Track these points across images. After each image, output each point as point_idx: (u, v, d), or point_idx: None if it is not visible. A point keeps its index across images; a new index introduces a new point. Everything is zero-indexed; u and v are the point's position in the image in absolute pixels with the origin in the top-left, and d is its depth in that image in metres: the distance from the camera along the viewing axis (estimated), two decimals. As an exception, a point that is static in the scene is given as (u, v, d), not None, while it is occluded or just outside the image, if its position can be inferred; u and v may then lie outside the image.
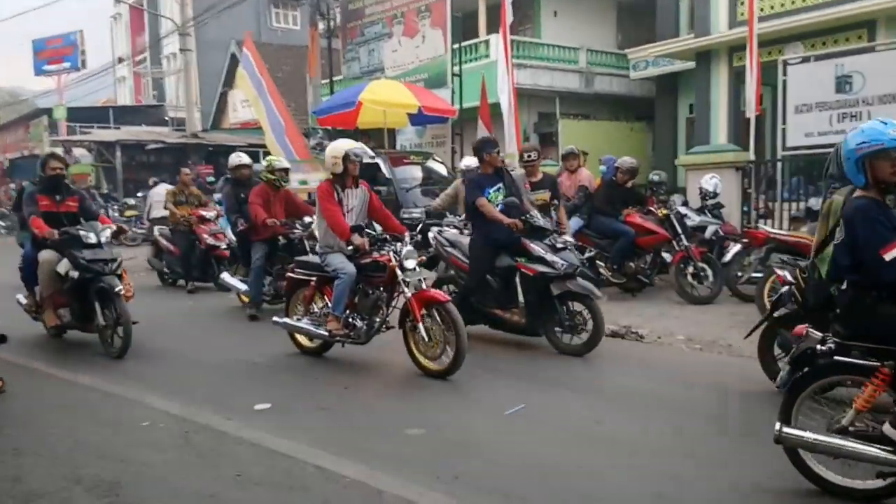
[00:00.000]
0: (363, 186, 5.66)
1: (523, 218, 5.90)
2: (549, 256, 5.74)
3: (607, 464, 3.65)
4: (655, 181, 9.01)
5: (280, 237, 7.65)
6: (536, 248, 5.82)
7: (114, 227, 6.20)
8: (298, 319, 5.82)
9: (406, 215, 10.39)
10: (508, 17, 11.72)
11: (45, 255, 6.02)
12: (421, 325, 5.05)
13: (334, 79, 16.77)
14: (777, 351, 4.70)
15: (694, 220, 8.30)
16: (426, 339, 5.08)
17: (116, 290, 5.67)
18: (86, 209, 6.28)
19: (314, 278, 5.70)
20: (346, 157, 5.41)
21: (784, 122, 9.15)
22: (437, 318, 5.09)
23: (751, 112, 9.85)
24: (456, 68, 14.87)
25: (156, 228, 10.86)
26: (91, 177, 23.88)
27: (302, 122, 18.69)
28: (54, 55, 26.35)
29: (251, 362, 5.84)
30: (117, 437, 4.11)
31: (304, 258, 6.19)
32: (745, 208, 9.34)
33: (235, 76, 14.24)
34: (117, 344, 5.84)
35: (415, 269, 5.19)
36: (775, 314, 4.58)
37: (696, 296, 7.69)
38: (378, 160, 12.45)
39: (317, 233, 6.01)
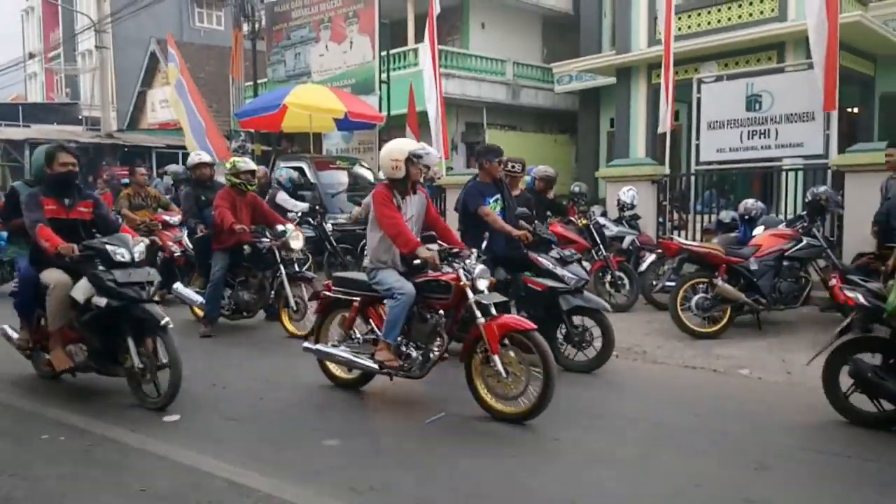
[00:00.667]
0: (421, 193, 4.91)
1: (531, 229, 5.64)
2: (559, 270, 5.49)
3: (521, 466, 3.66)
4: (577, 192, 9.21)
5: (245, 246, 6.96)
6: (545, 261, 5.56)
7: (147, 241, 4.95)
8: (334, 346, 5.01)
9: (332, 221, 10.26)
10: (437, 11, 11.75)
11: (54, 276, 4.73)
12: (497, 359, 4.23)
13: (259, 81, 16.42)
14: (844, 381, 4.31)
15: (612, 230, 8.53)
16: (503, 375, 4.24)
17: (163, 322, 4.39)
18: (103, 216, 5.03)
19: (356, 299, 4.90)
20: (408, 160, 4.65)
21: (698, 138, 9.56)
22: (517, 351, 4.29)
23: (663, 128, 10.23)
24: (384, 75, 14.83)
25: None
26: (-4, 176, 22.51)
27: (224, 124, 18.22)
28: (-44, 47, 24.77)
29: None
30: (14, 451, 3.85)
31: (344, 274, 5.38)
32: (661, 220, 9.67)
33: (167, 72, 13.76)
34: (158, 391, 4.56)
35: (487, 290, 4.44)
36: (843, 338, 4.27)
37: (613, 303, 7.89)
38: (302, 164, 12.30)
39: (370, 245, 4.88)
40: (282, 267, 6.85)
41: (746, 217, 7.85)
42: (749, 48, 12.94)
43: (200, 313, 7.12)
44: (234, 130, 14.96)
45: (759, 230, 7.33)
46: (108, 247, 4.51)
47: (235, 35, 14.95)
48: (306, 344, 5.13)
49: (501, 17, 19.64)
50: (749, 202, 8.01)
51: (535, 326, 4.31)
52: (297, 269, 7.15)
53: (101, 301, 4.44)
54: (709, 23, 13.88)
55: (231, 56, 15.48)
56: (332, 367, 5.13)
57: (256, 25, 15.58)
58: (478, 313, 4.31)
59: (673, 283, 7.05)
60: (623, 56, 14.79)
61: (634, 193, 8.74)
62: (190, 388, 5.07)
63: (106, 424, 4.25)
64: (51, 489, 3.38)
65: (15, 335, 5.29)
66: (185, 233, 8.20)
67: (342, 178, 12.34)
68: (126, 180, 17.24)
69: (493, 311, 4.33)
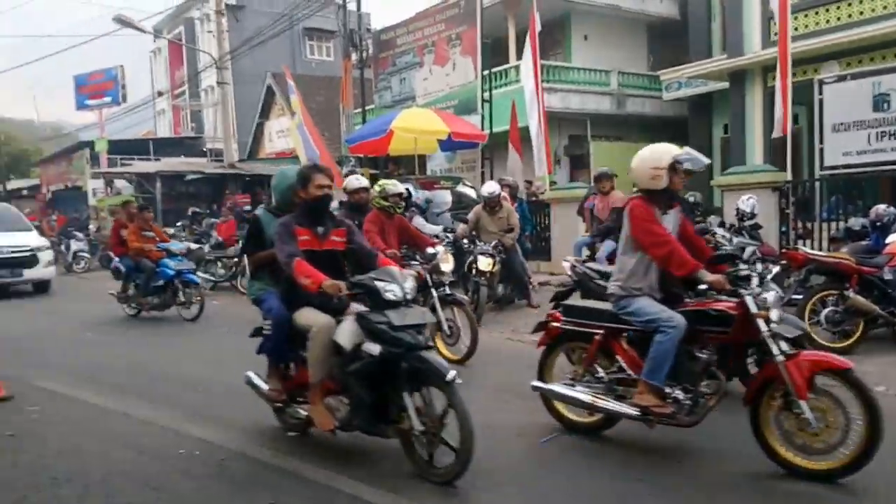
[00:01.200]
0: (676, 207, 4.24)
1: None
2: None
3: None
4: (692, 202, 8.90)
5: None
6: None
7: (415, 273, 4.43)
8: (569, 385, 4.37)
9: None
10: (538, 27, 11.75)
11: (316, 318, 3.99)
12: (804, 405, 3.56)
13: (367, 108, 17.00)
14: None
15: (731, 241, 8.15)
16: (811, 424, 3.57)
17: (449, 376, 3.52)
18: (359, 246, 4.34)
19: (600, 331, 4.25)
20: (672, 168, 4.01)
21: (821, 142, 9.02)
22: (830, 394, 3.60)
23: (778, 133, 9.74)
24: (486, 94, 14.98)
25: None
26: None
27: (335, 151, 18.97)
28: (96, 90, 27.25)
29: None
30: (152, 466, 4.14)
31: (578, 302, 4.80)
32: (784, 229, 9.16)
33: (291, 102, 14.58)
34: (442, 461, 3.71)
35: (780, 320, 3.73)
36: None
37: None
38: (409, 186, 12.61)
39: (613, 268, 4.42)
40: (433, 290, 6.53)
41: (878, 224, 7.30)
42: (873, 45, 12.11)
43: None
44: (343, 156, 15.53)
45: (892, 237, 6.81)
46: (377, 283, 3.79)
47: (345, 65, 15.59)
48: (536, 383, 4.53)
49: (604, 28, 19.40)
50: (881, 208, 7.46)
51: (851, 364, 3.59)
52: (447, 291, 6.78)
53: (374, 348, 3.68)
54: (828, 21, 13.11)
55: (341, 85, 16.13)
56: (563, 408, 4.52)
57: (364, 54, 16.17)
58: (775, 349, 3.64)
59: (800, 296, 6.67)
60: (735, 60, 14.22)
61: (755, 202, 8.33)
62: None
63: (239, 440, 4.50)
64: (187, 501, 3.62)
65: (262, 384, 4.62)
66: None
67: (446, 197, 12.54)
68: (248, 207, 18.28)
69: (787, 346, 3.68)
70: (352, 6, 16.67)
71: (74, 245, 19.13)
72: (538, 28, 12.40)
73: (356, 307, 3.98)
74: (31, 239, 13.80)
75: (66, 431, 4.89)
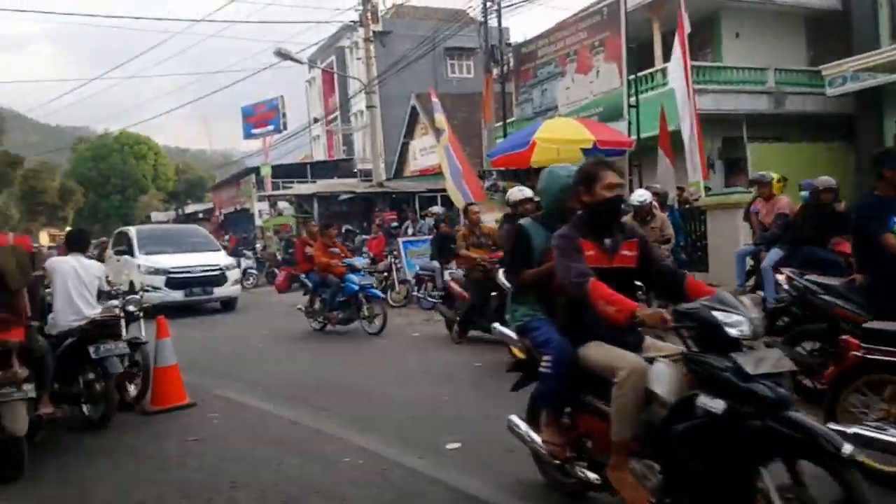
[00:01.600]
0: None
1: None
2: None
3: None
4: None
5: None
6: None
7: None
8: (881, 429, 3.51)
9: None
10: (687, 28, 11.25)
11: (618, 357, 3.10)
12: None
13: (508, 121, 17.07)
14: None
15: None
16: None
17: (845, 451, 2.47)
18: (657, 263, 3.44)
19: None
20: None
21: None
22: None
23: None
24: (632, 99, 14.53)
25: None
26: (291, 226, 26.23)
27: (476, 165, 19.23)
28: (260, 119, 29.54)
29: (438, 399, 5.95)
30: (322, 474, 4.35)
31: (886, 325, 3.74)
32: None
33: (435, 121, 15.03)
34: None
35: None
36: None
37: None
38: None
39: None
40: None
41: None
42: None
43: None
44: (485, 170, 15.67)
45: None
46: (716, 314, 2.75)
47: (486, 80, 15.76)
48: (839, 426, 3.52)
49: (758, 24, 18.23)
50: None
51: None
52: None
53: (716, 404, 2.65)
54: None
55: (483, 100, 16.32)
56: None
57: (505, 68, 16.28)
58: None
59: None
60: (912, 47, 12.82)
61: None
62: (466, 416, 5.34)
63: (396, 450, 4.62)
64: (356, 509, 3.76)
65: (531, 434, 3.73)
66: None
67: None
68: (395, 223, 18.94)
69: None
70: (492, 23, 16.88)
71: (244, 263, 20.70)
72: (687, 29, 11.87)
73: (657, 344, 3.27)
74: (221, 258, 14.63)
75: (242, 437, 5.27)
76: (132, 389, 6.58)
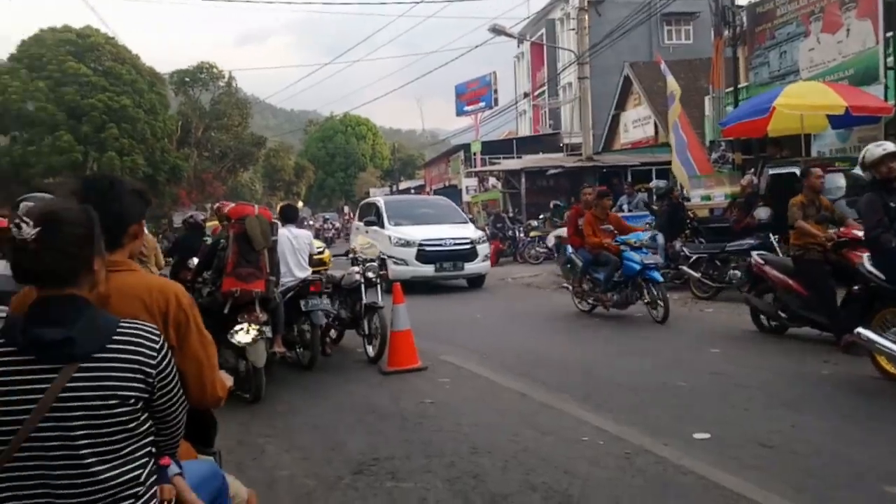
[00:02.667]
0: None
1: None
2: None
3: None
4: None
5: None
6: None
7: None
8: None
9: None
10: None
11: None
12: None
13: (739, 87, 15.69)
14: None
15: None
16: None
17: None
18: None
19: None
20: None
21: None
22: None
23: None
24: (890, 60, 12.62)
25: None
26: (499, 202, 26.58)
27: (697, 136, 17.97)
28: (472, 97, 30.17)
29: (673, 386, 5.60)
30: (558, 449, 4.26)
31: None
32: None
33: (667, 85, 14.23)
34: None
35: None
36: None
37: None
38: (794, 169, 11.23)
39: None
40: None
41: None
42: None
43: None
44: (711, 141, 14.55)
45: None
46: None
47: (716, 44, 14.58)
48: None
49: None
50: None
51: None
52: None
53: None
54: None
55: (711, 66, 15.14)
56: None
57: (736, 31, 14.94)
58: None
59: None
60: None
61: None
62: (709, 406, 4.96)
63: (638, 434, 4.40)
64: (604, 493, 3.61)
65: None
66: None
67: (839, 181, 10.88)
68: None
69: None
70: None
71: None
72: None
73: None
74: (470, 231, 13.52)
75: (474, 404, 5.36)
76: (370, 350, 7.03)
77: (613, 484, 3.70)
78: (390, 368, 6.51)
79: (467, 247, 12.82)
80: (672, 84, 13.80)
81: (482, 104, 29.84)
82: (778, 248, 9.50)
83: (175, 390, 1.81)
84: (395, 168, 55.88)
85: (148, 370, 1.70)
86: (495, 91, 30.57)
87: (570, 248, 9.53)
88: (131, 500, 1.68)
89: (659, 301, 8.37)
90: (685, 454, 4.02)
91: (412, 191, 45.32)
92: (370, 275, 7.22)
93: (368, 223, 13.73)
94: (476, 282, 13.25)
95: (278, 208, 9.23)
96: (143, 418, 1.72)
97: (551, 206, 20.82)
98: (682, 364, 6.30)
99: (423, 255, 12.49)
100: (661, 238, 11.61)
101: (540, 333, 8.58)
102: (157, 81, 36.24)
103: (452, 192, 34.25)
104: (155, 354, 1.73)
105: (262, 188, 57.47)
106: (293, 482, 3.98)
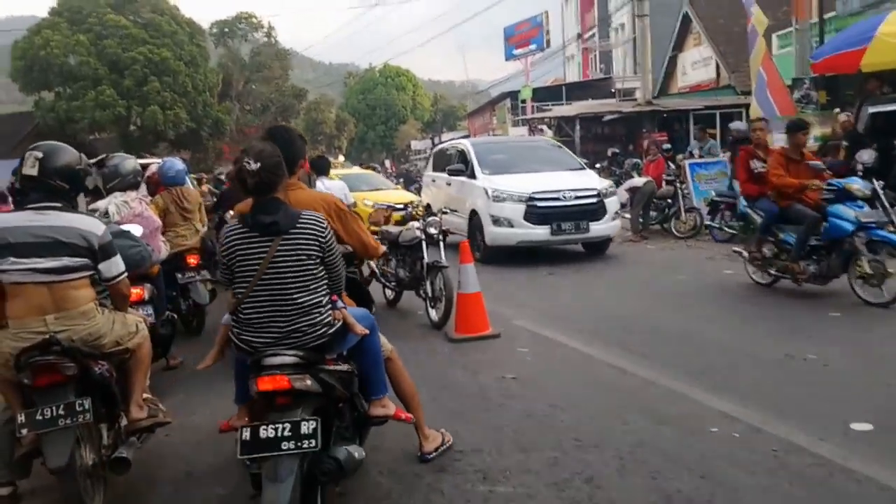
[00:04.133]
0: None
1: None
2: None
3: None
4: None
5: None
6: None
7: None
8: None
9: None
10: None
11: None
12: None
13: (825, 16, 14.21)
14: None
15: None
16: None
17: None
18: None
19: None
20: None
21: None
22: None
23: None
24: None
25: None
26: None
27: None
28: (521, 39, 28.66)
29: (802, 359, 4.76)
30: (684, 443, 3.50)
31: None
32: None
33: (754, 19, 12.71)
34: None
35: None
36: None
37: None
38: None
39: None
40: None
41: None
42: None
43: None
44: (794, 79, 13.22)
45: None
46: None
47: (800, -31, 13.15)
48: None
49: None
50: None
51: None
52: None
53: None
54: None
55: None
56: None
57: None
58: None
59: None
60: None
61: None
62: (855, 387, 4.12)
63: (781, 425, 3.60)
64: (752, 501, 2.85)
65: None
66: None
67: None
68: (667, 146, 17.05)
69: None
70: None
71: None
72: None
73: None
74: (594, 180, 10.33)
75: (564, 381, 4.61)
76: (433, 314, 6.33)
77: (770, 495, 2.93)
78: (458, 335, 5.79)
79: (593, 200, 9.52)
80: (758, 17, 12.44)
81: (533, 47, 28.31)
82: (883, 196, 8.37)
83: (336, 253, 2.84)
84: (437, 119, 54.65)
85: (321, 239, 2.74)
86: (547, 32, 28.95)
87: (743, 201, 7.46)
88: (317, 312, 2.75)
89: (886, 276, 5.83)
90: (850, 452, 3.22)
91: (456, 142, 44.13)
92: (432, 230, 6.47)
93: (453, 173, 10.64)
94: (599, 247, 10.15)
95: (308, 160, 8.88)
96: (321, 269, 2.77)
97: (609, 154, 19.64)
98: (804, 332, 5.42)
99: (535, 214, 9.29)
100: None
101: (622, 292, 7.60)
102: (197, 33, 35.56)
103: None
104: (323, 231, 2.76)
105: (304, 142, 56.88)
106: (364, 479, 3.32)
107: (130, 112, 32.34)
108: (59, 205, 3.01)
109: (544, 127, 25.56)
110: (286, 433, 2.51)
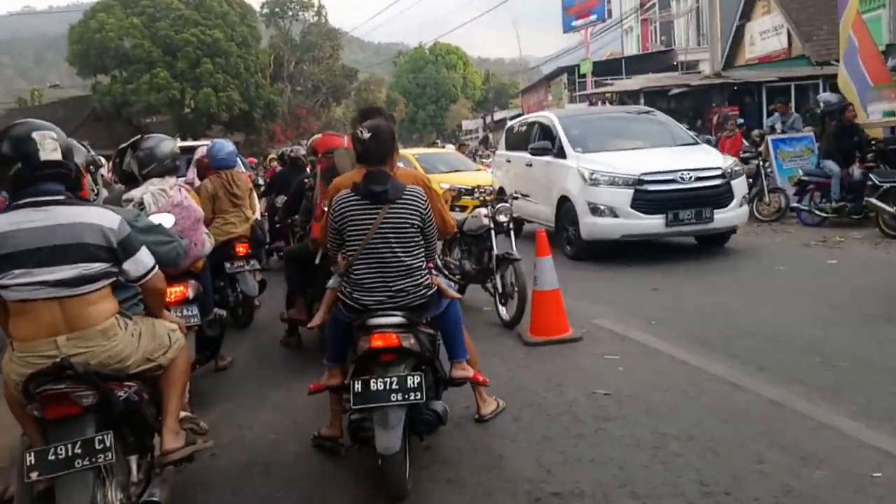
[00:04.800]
0: None
1: None
2: None
3: None
4: None
5: None
6: None
7: None
8: None
9: None
10: None
11: None
12: None
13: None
14: None
15: None
16: None
17: None
18: None
19: None
20: None
21: None
22: None
23: None
24: None
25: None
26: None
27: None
28: (581, 9, 27.39)
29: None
30: (841, 494, 2.77)
31: None
32: None
33: None
34: None
35: None
36: None
37: None
38: None
39: None
40: None
41: None
42: None
43: None
44: (889, 45, 11.99)
45: None
46: None
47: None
48: None
49: None
50: None
51: None
52: None
53: None
54: None
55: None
56: None
57: None
58: None
59: None
60: None
61: None
62: None
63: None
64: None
65: None
66: None
67: None
68: (740, 121, 15.85)
69: None
70: None
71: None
72: None
73: None
74: (716, 157, 8.40)
75: (669, 399, 3.89)
76: (503, 311, 5.68)
77: None
78: (535, 337, 5.13)
79: (718, 182, 7.80)
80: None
81: (593, 17, 27.03)
82: None
83: (433, 225, 3.20)
84: (489, 97, 53.54)
85: (422, 211, 3.11)
86: (608, 1, 27.59)
87: None
88: (419, 274, 3.12)
89: None
90: None
91: (507, 121, 43.10)
92: (501, 218, 5.79)
93: (537, 152, 8.90)
94: (718, 239, 8.38)
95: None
96: (420, 237, 3.14)
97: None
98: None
99: (646, 200, 7.60)
100: (833, 165, 9.59)
101: (713, 286, 6.65)
102: (248, 13, 35.41)
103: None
104: (424, 203, 3.13)
105: (356, 123, 56.61)
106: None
107: (184, 94, 32.49)
108: (61, 197, 2.44)
109: (605, 103, 24.44)
110: (394, 386, 2.85)
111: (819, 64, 19.96)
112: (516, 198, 6.23)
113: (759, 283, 6.67)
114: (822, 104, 10.76)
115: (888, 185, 8.46)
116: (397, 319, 2.98)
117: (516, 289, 5.46)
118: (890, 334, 4.78)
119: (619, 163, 8.02)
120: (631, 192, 7.64)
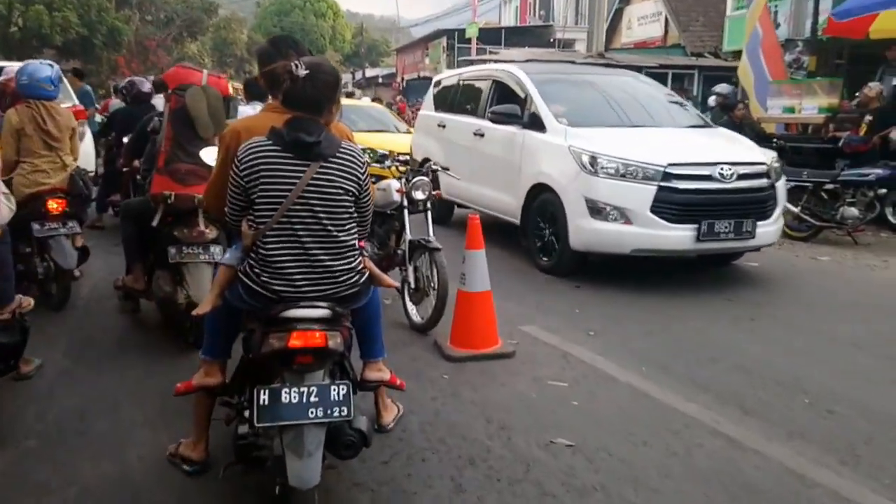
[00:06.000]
0: None
1: None
2: None
3: None
4: None
5: None
6: None
7: None
8: None
9: None
10: None
11: None
12: None
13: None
14: None
15: None
16: None
17: None
18: None
19: None
20: None
21: None
22: None
23: None
24: None
25: None
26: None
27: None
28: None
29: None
30: None
31: None
32: None
33: None
34: None
35: None
36: None
37: None
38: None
39: None
40: None
41: None
42: None
43: None
44: (788, 40, 11.95)
45: None
46: None
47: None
48: None
49: None
50: None
51: None
52: None
53: None
54: None
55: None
56: None
57: None
58: None
59: None
60: None
61: None
62: None
63: None
64: None
65: None
66: None
67: None
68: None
69: None
70: None
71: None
72: None
73: None
74: (754, 150, 6.27)
75: (651, 457, 2.99)
76: (414, 312, 4.58)
77: None
78: (458, 350, 4.08)
79: (763, 184, 5.80)
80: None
81: (483, -21, 26.26)
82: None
83: (369, 196, 2.48)
84: (362, 52, 51.42)
85: (359, 175, 2.39)
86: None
87: None
88: (351, 256, 2.39)
89: None
90: None
91: (379, 79, 41.49)
92: (418, 195, 4.64)
93: (499, 118, 6.63)
94: (729, 258, 6.53)
95: (243, 83, 7.20)
96: (354, 209, 2.40)
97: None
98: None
99: (673, 202, 5.46)
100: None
101: (678, 293, 5.59)
102: (92, -76, 31.02)
103: (426, 85, 30.99)
104: (362, 166, 2.41)
105: (212, 63, 52.37)
106: None
107: (11, 10, 28.00)
108: None
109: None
110: (313, 398, 2.21)
111: (694, 55, 20.37)
112: (436, 169, 5.06)
113: (730, 303, 6.00)
114: (719, 96, 10.46)
115: (794, 184, 8.21)
116: (322, 312, 2.29)
117: (433, 285, 4.37)
118: (864, 373, 4.20)
119: (633, 146, 5.71)
120: (653, 189, 5.41)
